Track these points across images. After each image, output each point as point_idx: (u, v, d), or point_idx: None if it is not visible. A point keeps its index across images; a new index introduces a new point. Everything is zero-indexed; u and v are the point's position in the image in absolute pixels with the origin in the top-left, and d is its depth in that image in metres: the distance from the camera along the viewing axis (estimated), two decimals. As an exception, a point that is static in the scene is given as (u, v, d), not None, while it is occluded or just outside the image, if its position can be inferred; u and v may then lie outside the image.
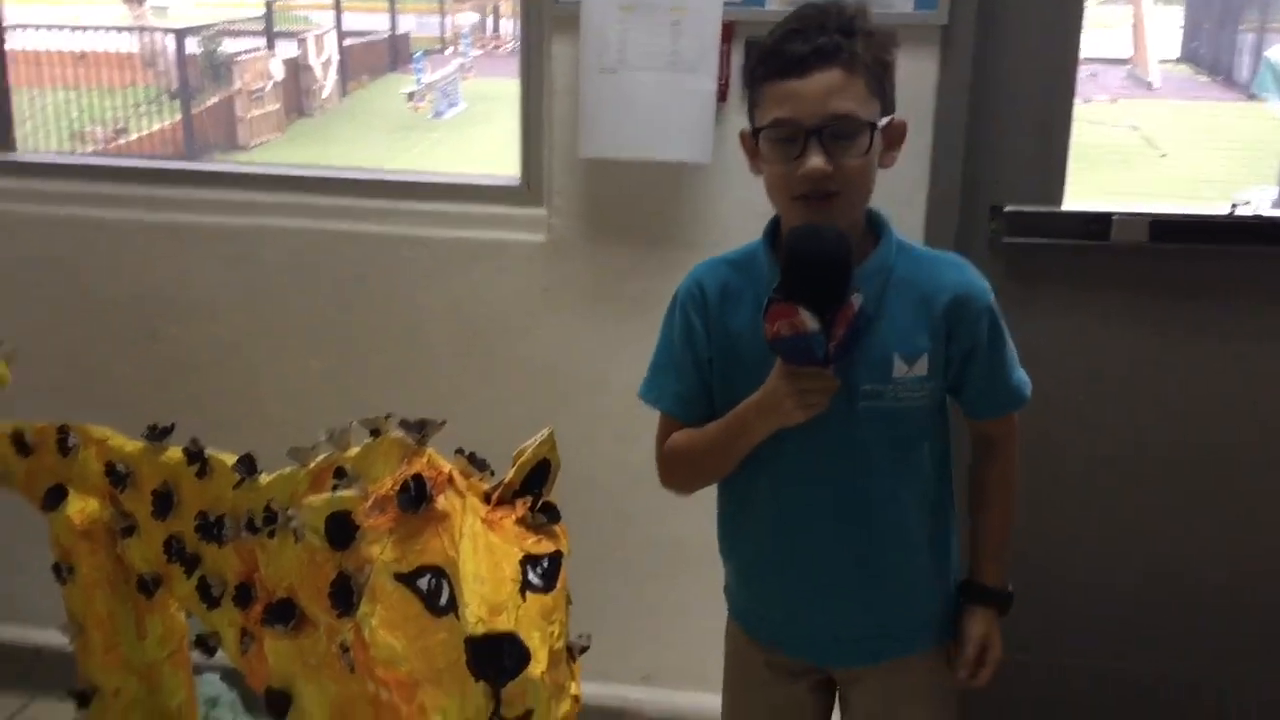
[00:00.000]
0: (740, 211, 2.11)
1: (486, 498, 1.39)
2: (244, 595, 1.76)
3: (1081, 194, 2.15)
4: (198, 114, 8.20)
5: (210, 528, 1.79)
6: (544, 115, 2.16)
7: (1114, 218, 2.06)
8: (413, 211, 2.24)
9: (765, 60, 1.46)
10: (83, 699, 2.10)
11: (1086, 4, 2.05)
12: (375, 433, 1.46)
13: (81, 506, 2.00)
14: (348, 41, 9.27)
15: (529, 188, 2.20)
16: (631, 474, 2.28)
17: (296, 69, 8.92)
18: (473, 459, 1.44)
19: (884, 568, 1.56)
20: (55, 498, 2.02)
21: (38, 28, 8.10)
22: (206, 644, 1.94)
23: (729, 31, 2.04)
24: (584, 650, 1.40)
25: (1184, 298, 2.11)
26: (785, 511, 1.57)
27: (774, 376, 1.45)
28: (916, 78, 2.03)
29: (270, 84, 8.49)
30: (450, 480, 1.36)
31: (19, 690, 2.56)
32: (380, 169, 2.25)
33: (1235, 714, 2.27)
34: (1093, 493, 2.21)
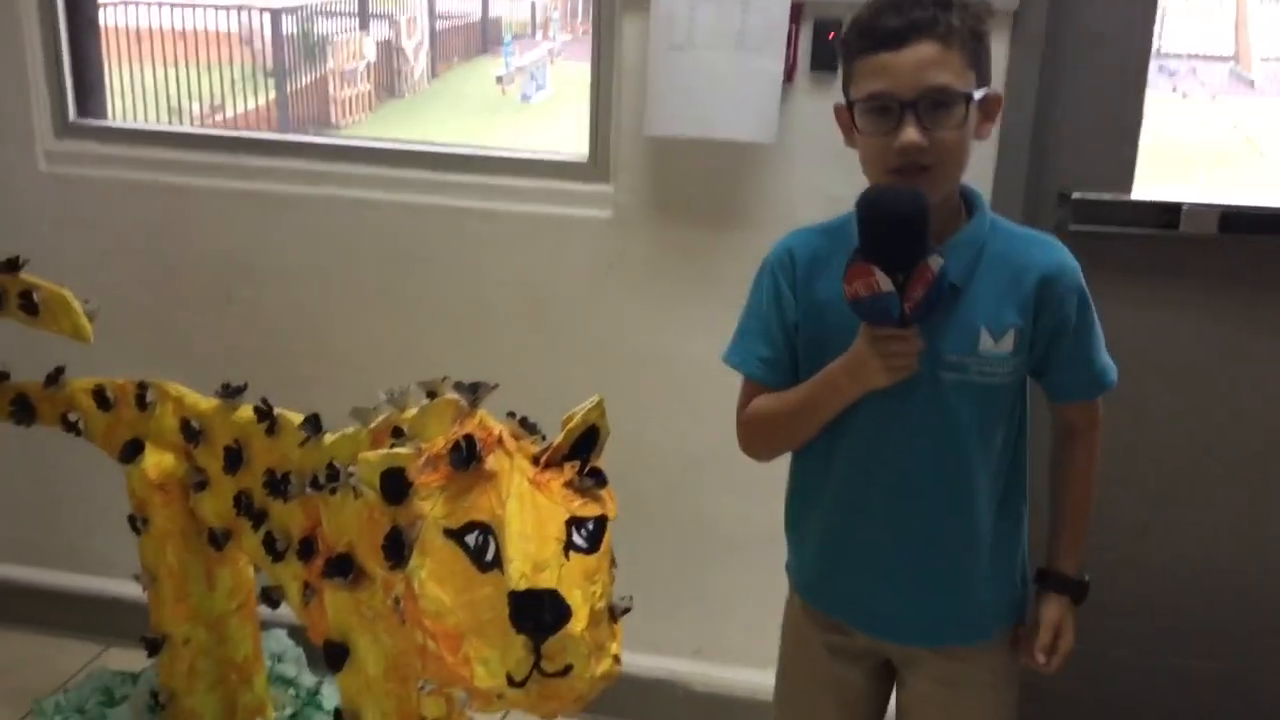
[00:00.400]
0: (804, 192, 2.13)
1: (535, 460, 1.42)
2: (307, 550, 1.82)
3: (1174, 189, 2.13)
4: (292, 93, 8.32)
5: (277, 484, 1.86)
6: (613, 93, 2.18)
7: (1184, 208, 2.04)
8: (481, 185, 2.28)
9: (862, 34, 1.46)
10: (153, 646, 2.19)
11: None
12: (431, 394, 1.51)
13: (157, 460, 2.09)
14: (440, 24, 9.34)
15: (595, 164, 2.23)
16: (690, 450, 2.32)
17: (389, 50, 9.02)
18: (524, 422, 1.48)
19: (953, 549, 1.56)
20: (132, 451, 2.10)
21: (140, 4, 8.30)
22: (271, 597, 2.01)
23: (797, 13, 2.05)
24: (626, 611, 1.43)
25: (1253, 290, 2.09)
26: (862, 483, 1.57)
27: (859, 339, 1.46)
28: (986, 62, 2.03)
29: (363, 64, 8.60)
30: (500, 441, 1.40)
31: (96, 638, 2.66)
32: (450, 142, 2.29)
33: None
34: (1158, 483, 2.19)
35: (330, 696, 2.35)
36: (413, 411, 1.55)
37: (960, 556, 1.57)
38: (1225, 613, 2.22)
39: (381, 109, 8.64)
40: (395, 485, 1.41)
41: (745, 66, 2.07)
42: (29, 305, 2.10)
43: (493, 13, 9.74)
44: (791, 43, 2.06)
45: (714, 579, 2.40)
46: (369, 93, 8.66)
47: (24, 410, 2.21)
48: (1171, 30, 3.24)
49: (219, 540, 2.07)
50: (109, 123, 2.52)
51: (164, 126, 2.61)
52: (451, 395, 1.45)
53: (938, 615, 1.60)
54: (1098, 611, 2.13)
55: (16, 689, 2.45)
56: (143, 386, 2.10)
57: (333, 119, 8.17)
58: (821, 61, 2.07)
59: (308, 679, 2.40)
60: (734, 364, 1.63)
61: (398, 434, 1.54)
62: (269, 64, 8.42)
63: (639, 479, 2.31)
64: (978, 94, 1.46)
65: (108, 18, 7.97)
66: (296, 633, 2.38)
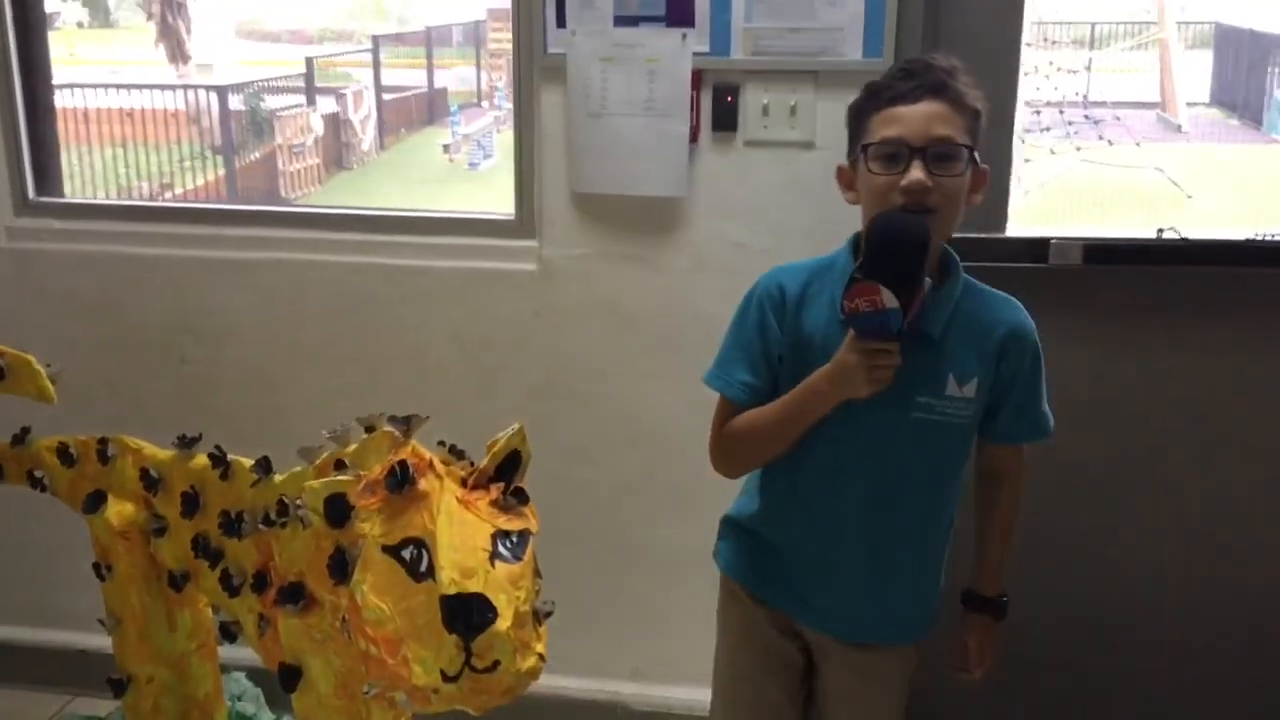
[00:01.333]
0: (711, 240, 2.33)
1: (464, 482, 1.60)
2: (261, 583, 1.97)
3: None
4: (241, 168, 8.39)
5: (232, 524, 2.00)
6: (535, 156, 2.38)
7: (1051, 242, 2.25)
8: (417, 244, 2.46)
9: (878, 93, 1.66)
10: (119, 687, 2.31)
11: (1023, 50, 2.26)
12: (369, 429, 1.68)
13: (119, 509, 2.22)
14: (387, 96, 9.47)
15: (521, 221, 2.42)
16: (623, 481, 2.49)
17: (336, 123, 9.16)
18: (453, 450, 1.66)
19: (905, 562, 1.76)
20: (95, 502, 2.23)
21: (86, 87, 8.42)
22: (229, 630, 2.15)
23: (698, 79, 2.26)
24: (549, 615, 1.59)
25: (1117, 315, 2.29)
26: (838, 501, 1.73)
27: (845, 350, 1.61)
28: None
29: (311, 138, 8.72)
30: (431, 466, 1.57)
31: (63, 689, 2.77)
32: (387, 206, 2.47)
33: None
34: (1042, 504, 2.39)
35: (286, 732, 2.48)
36: (353, 446, 1.71)
37: (910, 573, 1.77)
38: (1117, 614, 2.41)
39: (331, 181, 8.73)
40: (338, 510, 1.58)
41: (655, 129, 2.28)
42: (-6, 370, 2.24)
43: (438, 83, 9.93)
44: (694, 107, 2.27)
45: (649, 601, 2.56)
46: (318, 166, 8.76)
47: (-10, 470, 2.34)
48: (1099, 81, 3.48)
49: (178, 582, 2.20)
50: (66, 199, 2.69)
51: (117, 201, 2.76)
52: (387, 428, 1.62)
53: (876, 620, 1.78)
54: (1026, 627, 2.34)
55: (-12, 741, 2.57)
56: (103, 441, 2.24)
57: (282, 192, 8.24)
58: (721, 122, 2.28)
59: (266, 716, 2.53)
60: (716, 387, 1.78)
61: (340, 466, 1.71)
62: (217, 140, 8.54)
63: (572, 508, 2.49)
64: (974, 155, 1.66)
65: (58, 99, 8.08)
66: (255, 674, 2.52)
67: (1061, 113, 3.13)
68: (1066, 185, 3.15)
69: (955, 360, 1.68)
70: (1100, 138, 3.11)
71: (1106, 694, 2.44)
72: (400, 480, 1.53)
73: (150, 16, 11.24)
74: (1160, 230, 2.25)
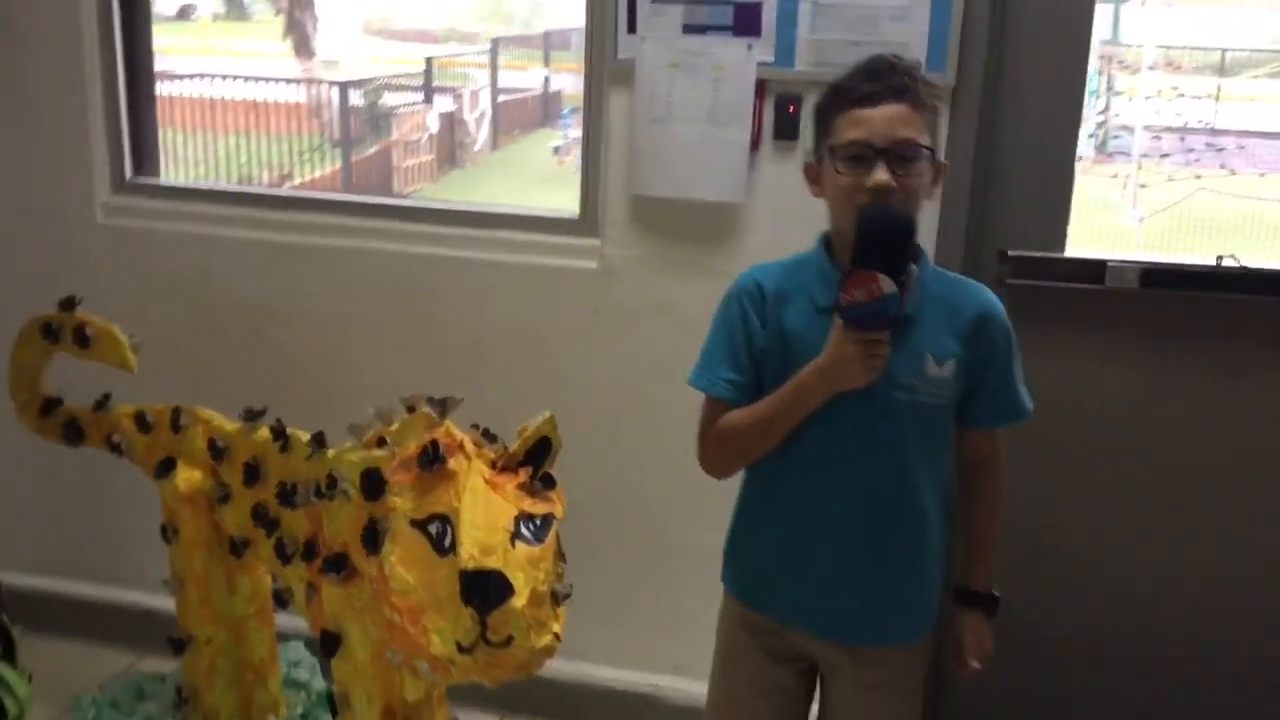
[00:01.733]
0: (767, 246, 2.35)
1: (494, 465, 1.67)
2: (310, 552, 2.06)
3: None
4: (357, 162, 8.60)
5: (287, 495, 2.11)
6: (601, 158, 2.44)
7: (1108, 264, 2.25)
8: (486, 239, 2.55)
9: (842, 95, 1.70)
10: (179, 646, 2.43)
11: (1089, 70, 2.26)
12: (410, 409, 1.76)
13: (187, 476, 2.34)
14: (502, 98, 9.62)
15: (585, 221, 2.49)
16: (672, 482, 2.54)
17: (452, 122, 9.35)
18: (486, 433, 1.73)
19: (895, 555, 1.76)
20: (166, 468, 2.36)
21: (216, 76, 8.73)
22: (281, 597, 2.26)
23: (761, 89, 2.31)
24: (567, 597, 1.65)
25: (1172, 340, 2.28)
26: (822, 493, 1.75)
27: (837, 343, 1.64)
28: (927, 133, 2.27)
29: (426, 135, 8.94)
30: (461, 446, 1.64)
31: (133, 647, 2.91)
32: (457, 200, 2.56)
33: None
34: (1085, 518, 2.38)
35: (338, 699, 2.58)
36: (396, 425, 1.79)
37: (906, 562, 1.78)
38: (1149, 641, 2.40)
39: (444, 178, 8.91)
40: (373, 484, 1.66)
41: (716, 137, 2.33)
42: (81, 339, 2.38)
43: (554, 87, 10.06)
44: (757, 116, 2.31)
45: (692, 599, 2.60)
46: (431, 162, 8.97)
47: (74, 432, 2.48)
48: (1228, 109, 3.43)
49: (238, 549, 2.32)
50: (160, 181, 2.83)
51: (207, 184, 2.88)
52: (425, 409, 1.70)
53: (878, 615, 1.79)
54: (1030, 634, 2.34)
55: (60, 691, 2.70)
56: (177, 411, 2.36)
57: (395, 187, 8.47)
58: (783, 132, 2.32)
59: (319, 684, 2.62)
60: (701, 386, 1.81)
61: (382, 443, 1.79)
62: (336, 134, 8.78)
63: (623, 505, 2.55)
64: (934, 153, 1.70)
65: (184, 89, 8.41)
66: (312, 644, 2.62)
67: (1183, 139, 3.09)
68: (1184, 212, 3.10)
69: (931, 340, 1.70)
70: (1222, 166, 3.08)
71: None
72: (431, 459, 1.61)
73: (279, 11, 11.61)
74: (1220, 257, 2.24)
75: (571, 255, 2.51)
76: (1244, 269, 2.23)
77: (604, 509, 2.59)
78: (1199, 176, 3.01)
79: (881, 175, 1.64)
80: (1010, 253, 2.30)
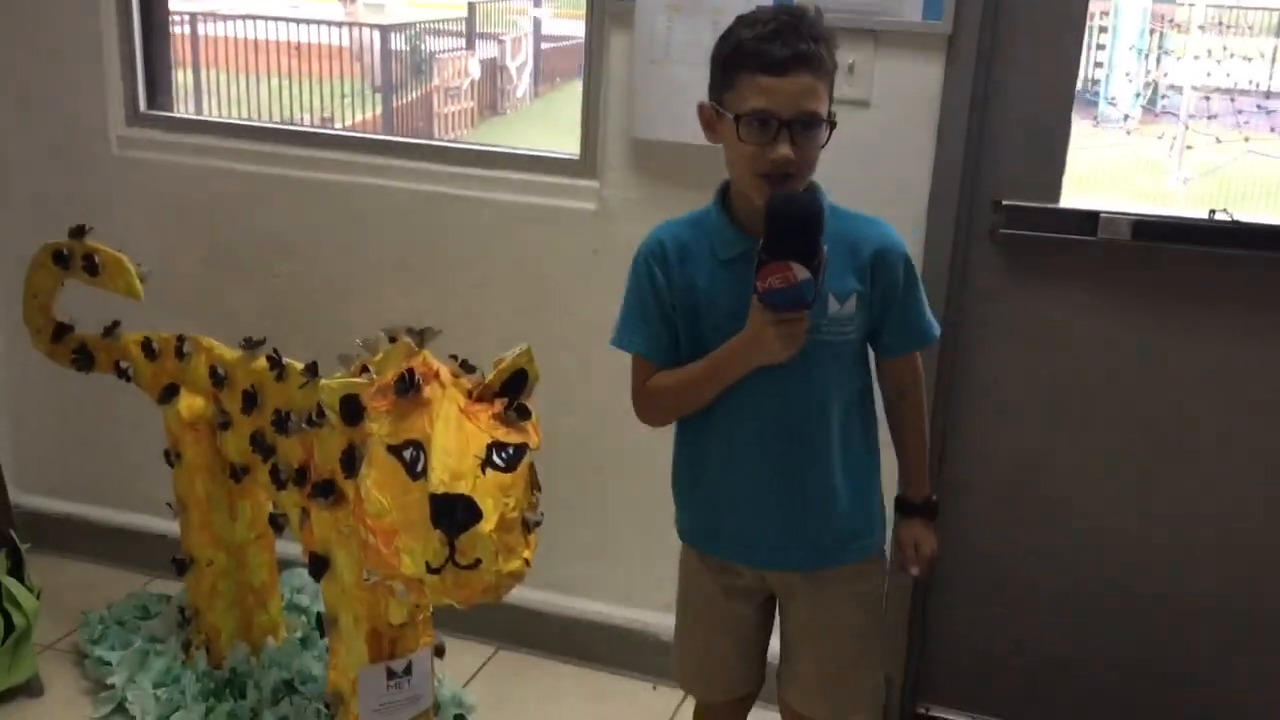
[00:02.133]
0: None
1: (470, 394, 1.71)
2: (302, 478, 2.13)
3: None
4: (397, 107, 8.66)
5: (282, 422, 2.17)
6: (600, 100, 2.46)
7: (1100, 216, 2.26)
8: (487, 178, 2.58)
9: (749, 54, 1.69)
10: (181, 567, 2.52)
11: (1089, 18, 2.26)
12: (392, 339, 1.80)
13: (189, 402, 2.41)
14: (544, 45, 9.61)
15: (584, 162, 2.52)
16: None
17: (494, 69, 9.35)
18: (464, 364, 1.77)
19: (809, 484, 1.82)
20: (169, 394, 2.43)
21: (259, 18, 8.76)
22: (277, 521, 2.33)
23: (760, 32, 2.31)
24: (537, 524, 1.70)
25: (1163, 294, 2.28)
26: (737, 433, 1.81)
27: (756, 323, 1.68)
28: (923, 80, 2.27)
29: (467, 82, 8.94)
30: (436, 375, 1.69)
31: (144, 570, 3.00)
32: (459, 139, 2.59)
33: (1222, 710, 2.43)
34: (1074, 472, 2.40)
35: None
36: (379, 354, 1.84)
37: (823, 488, 1.82)
38: (1142, 603, 2.42)
39: (483, 125, 8.91)
40: (352, 409, 1.71)
41: (714, 79, 2.33)
42: (91, 266, 2.44)
43: (597, 35, 10.01)
44: (754, 59, 2.32)
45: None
46: (472, 109, 8.99)
47: (84, 358, 2.55)
48: None
49: (238, 474, 2.39)
50: (173, 114, 2.88)
51: (219, 118, 2.93)
52: (404, 339, 1.74)
53: (809, 542, 1.84)
54: (1019, 598, 2.37)
55: (71, 608, 2.80)
56: (181, 339, 2.43)
57: (436, 133, 8.50)
58: (780, 76, 2.32)
59: (319, 609, 2.70)
60: (623, 347, 1.86)
61: (365, 372, 1.84)
62: (377, 79, 8.81)
63: (619, 439, 2.59)
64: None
65: (227, 29, 8.46)
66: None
67: (1233, 100, 3.05)
68: (1230, 175, 3.06)
69: (832, 279, 1.72)
70: (1272, 129, 3.04)
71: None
72: (406, 386, 1.66)
73: (321, -45, 11.60)
74: (1212, 211, 2.24)
75: (571, 196, 2.54)
76: (1235, 223, 2.23)
77: (599, 446, 2.64)
78: (1247, 139, 2.98)
79: (784, 149, 1.66)
80: (1004, 202, 2.31)
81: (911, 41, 2.25)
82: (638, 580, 2.71)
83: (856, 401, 1.84)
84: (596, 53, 2.45)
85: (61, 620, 2.76)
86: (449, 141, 2.58)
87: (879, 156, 2.33)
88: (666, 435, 2.55)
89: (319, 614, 2.64)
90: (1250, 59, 3.17)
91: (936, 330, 1.86)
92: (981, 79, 2.26)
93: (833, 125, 1.71)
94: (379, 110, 8.57)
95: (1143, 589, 2.41)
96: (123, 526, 3.05)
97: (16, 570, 2.49)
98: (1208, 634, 2.40)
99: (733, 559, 1.90)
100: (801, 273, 1.61)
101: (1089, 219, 2.27)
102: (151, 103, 2.85)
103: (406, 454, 1.65)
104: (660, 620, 2.70)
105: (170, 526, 2.63)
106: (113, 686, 2.49)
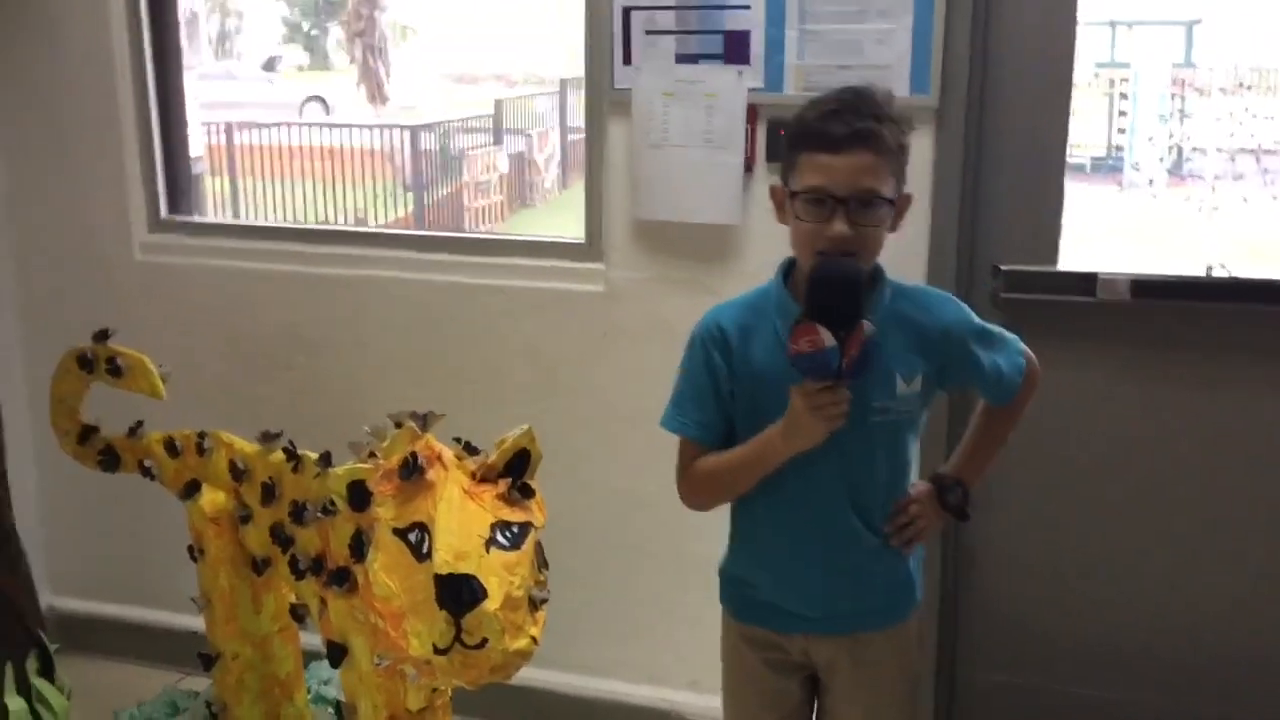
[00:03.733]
0: (764, 265, 2.37)
1: (473, 476, 1.75)
2: (318, 567, 2.15)
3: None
4: (430, 204, 8.79)
5: (299, 512, 2.20)
6: (604, 184, 2.53)
7: (1099, 277, 2.28)
8: (496, 265, 2.64)
9: (808, 134, 1.71)
10: (208, 662, 2.54)
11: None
12: (398, 425, 1.84)
13: (211, 498, 2.45)
14: (571, 137, 9.76)
15: (590, 245, 2.57)
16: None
17: (522, 162, 9.53)
18: (467, 446, 1.81)
19: (873, 551, 1.83)
20: (191, 490, 2.47)
21: (292, 125, 9.00)
22: (297, 612, 2.35)
23: (753, 114, 2.38)
24: (544, 602, 1.71)
25: (1162, 350, 2.30)
26: (806, 505, 1.81)
27: (794, 402, 1.69)
28: (914, 153, 2.27)
29: (496, 176, 9.11)
30: (439, 457, 1.72)
31: (175, 667, 3.02)
32: (466, 230, 2.66)
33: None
34: (1080, 533, 2.41)
35: None
36: (387, 440, 1.88)
37: (880, 552, 1.83)
38: (1159, 645, 2.41)
39: (514, 218, 9.06)
40: (359, 495, 1.75)
41: (711, 161, 2.40)
42: (114, 369, 2.50)
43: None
44: (749, 139, 2.39)
45: (707, 614, 2.63)
46: (502, 203, 9.15)
47: (110, 459, 2.60)
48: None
49: (260, 567, 2.42)
50: (195, 219, 2.97)
51: (237, 221, 3.02)
52: (409, 424, 1.78)
53: (864, 604, 1.86)
54: (1035, 644, 2.36)
55: (103, 708, 2.81)
56: (202, 435, 2.47)
57: (467, 227, 8.64)
58: (775, 154, 2.37)
59: (345, 700, 2.72)
60: (672, 429, 1.88)
61: (373, 457, 1.88)
62: (408, 178, 9.00)
63: (637, 521, 2.62)
64: (897, 197, 1.73)
65: (262, 137, 8.68)
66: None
67: (1258, 160, 3.09)
68: (1259, 233, 3.08)
69: (898, 360, 1.74)
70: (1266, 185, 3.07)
71: None
72: (410, 470, 1.69)
73: (353, 60, 11.96)
74: (1210, 268, 2.26)
75: (578, 279, 2.60)
76: (1234, 279, 2.25)
77: (617, 525, 2.66)
78: (1276, 199, 3.01)
79: (840, 227, 1.67)
80: (1003, 267, 2.34)
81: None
82: (661, 659, 2.71)
83: (907, 467, 1.85)
84: (597, 139, 2.52)
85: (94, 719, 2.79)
86: (453, 232, 2.65)
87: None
88: (687, 516, 2.59)
89: (337, 702, 2.68)
90: (1273, 118, 3.21)
91: (1024, 360, 1.86)
92: (972, 147, 2.31)
93: (895, 205, 1.72)
94: (411, 208, 8.75)
95: (1155, 645, 2.41)
96: (152, 624, 3.09)
97: (46, 671, 2.52)
98: (1223, 689, 2.38)
99: (782, 629, 1.90)
100: (828, 339, 1.61)
101: (1087, 280, 2.30)
102: (174, 207, 2.94)
103: (412, 536, 1.68)
104: (688, 699, 2.70)
105: (199, 622, 2.66)
106: (143, 784, 2.51)
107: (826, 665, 1.91)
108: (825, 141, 1.68)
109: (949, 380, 1.84)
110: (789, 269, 1.83)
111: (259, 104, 10.78)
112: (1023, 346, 1.87)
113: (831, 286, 1.64)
